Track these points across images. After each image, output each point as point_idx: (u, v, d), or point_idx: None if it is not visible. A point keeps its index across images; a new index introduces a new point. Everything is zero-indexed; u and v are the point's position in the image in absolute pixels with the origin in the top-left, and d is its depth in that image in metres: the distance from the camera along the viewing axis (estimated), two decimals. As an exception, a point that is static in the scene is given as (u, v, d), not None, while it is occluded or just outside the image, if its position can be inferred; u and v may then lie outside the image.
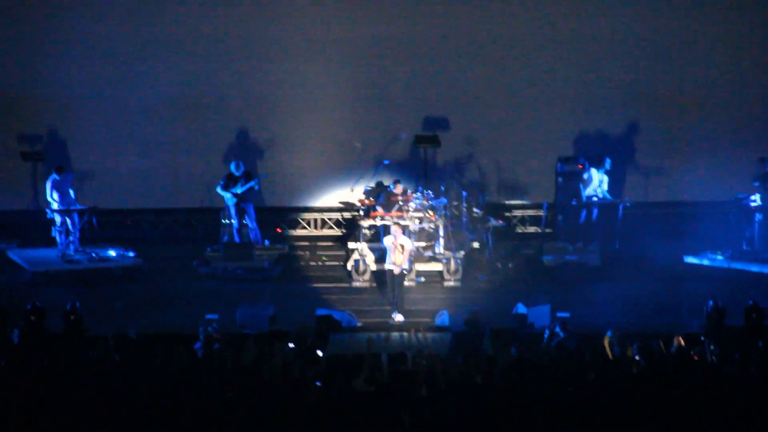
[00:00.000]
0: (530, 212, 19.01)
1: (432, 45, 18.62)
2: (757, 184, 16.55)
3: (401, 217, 16.28)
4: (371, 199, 17.45)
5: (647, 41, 18.47)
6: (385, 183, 17.90)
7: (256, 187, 17.62)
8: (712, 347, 10.73)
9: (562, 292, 15.21)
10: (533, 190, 18.87)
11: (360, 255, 16.27)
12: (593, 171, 17.28)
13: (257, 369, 9.91)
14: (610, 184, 17.50)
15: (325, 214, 19.29)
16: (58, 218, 16.83)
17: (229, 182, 17.29)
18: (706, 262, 16.24)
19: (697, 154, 18.53)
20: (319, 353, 11.28)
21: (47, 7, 18.55)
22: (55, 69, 18.50)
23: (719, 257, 16.15)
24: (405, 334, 13.30)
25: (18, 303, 13.29)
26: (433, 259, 16.37)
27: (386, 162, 18.09)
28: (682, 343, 10.94)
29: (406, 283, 15.23)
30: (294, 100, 18.74)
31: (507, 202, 19.03)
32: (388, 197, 17.06)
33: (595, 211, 17.32)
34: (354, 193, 18.26)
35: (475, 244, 17.15)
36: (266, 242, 17.66)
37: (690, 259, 16.36)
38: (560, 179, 17.69)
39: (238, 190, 17.26)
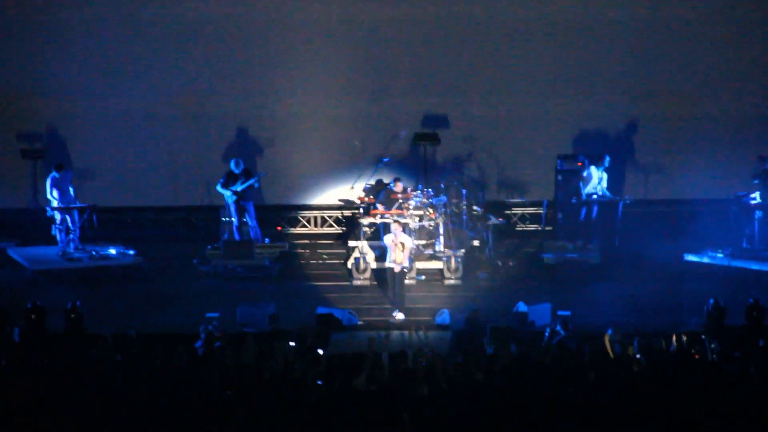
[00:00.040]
0: (530, 210, 19.02)
1: (432, 43, 18.60)
2: (757, 181, 16.51)
3: (401, 215, 16.27)
4: (371, 196, 17.43)
5: (648, 40, 18.47)
6: (385, 181, 17.89)
7: (256, 185, 17.59)
8: (712, 345, 10.73)
9: (563, 290, 15.20)
10: (533, 188, 18.87)
11: (360, 253, 16.25)
12: (593, 169, 17.28)
13: (258, 368, 9.92)
14: (610, 182, 17.49)
15: (325, 212, 19.29)
16: (58, 216, 16.78)
17: (229, 180, 17.26)
18: (706, 260, 16.20)
19: (697, 152, 18.51)
20: (320, 352, 11.28)
21: (47, 6, 18.53)
22: (55, 67, 18.46)
23: (719, 255, 16.10)
24: (405, 332, 13.29)
25: (18, 302, 13.30)
26: (434, 257, 16.35)
27: (386, 159, 18.07)
28: (684, 339, 10.96)
29: (406, 281, 15.21)
30: (294, 99, 18.72)
31: (507, 200, 19.04)
32: (388, 195, 17.05)
33: (595, 209, 17.31)
34: (354, 190, 18.28)
35: (476, 242, 17.16)
36: (266, 240, 17.63)
37: (690, 257, 16.32)
38: (560, 177, 17.66)
39: (238, 188, 17.23)
